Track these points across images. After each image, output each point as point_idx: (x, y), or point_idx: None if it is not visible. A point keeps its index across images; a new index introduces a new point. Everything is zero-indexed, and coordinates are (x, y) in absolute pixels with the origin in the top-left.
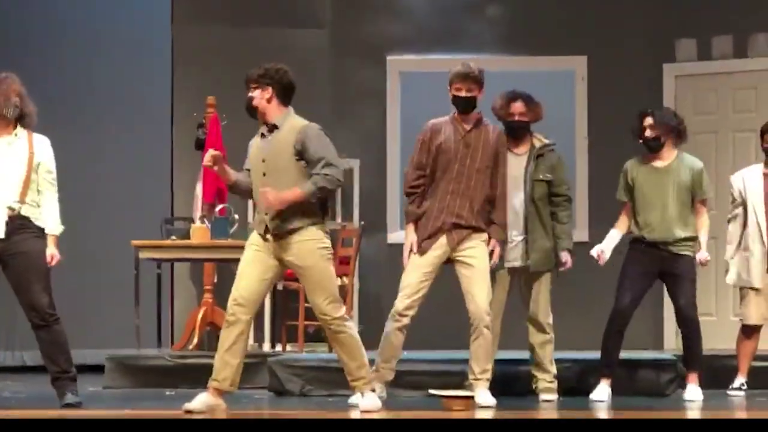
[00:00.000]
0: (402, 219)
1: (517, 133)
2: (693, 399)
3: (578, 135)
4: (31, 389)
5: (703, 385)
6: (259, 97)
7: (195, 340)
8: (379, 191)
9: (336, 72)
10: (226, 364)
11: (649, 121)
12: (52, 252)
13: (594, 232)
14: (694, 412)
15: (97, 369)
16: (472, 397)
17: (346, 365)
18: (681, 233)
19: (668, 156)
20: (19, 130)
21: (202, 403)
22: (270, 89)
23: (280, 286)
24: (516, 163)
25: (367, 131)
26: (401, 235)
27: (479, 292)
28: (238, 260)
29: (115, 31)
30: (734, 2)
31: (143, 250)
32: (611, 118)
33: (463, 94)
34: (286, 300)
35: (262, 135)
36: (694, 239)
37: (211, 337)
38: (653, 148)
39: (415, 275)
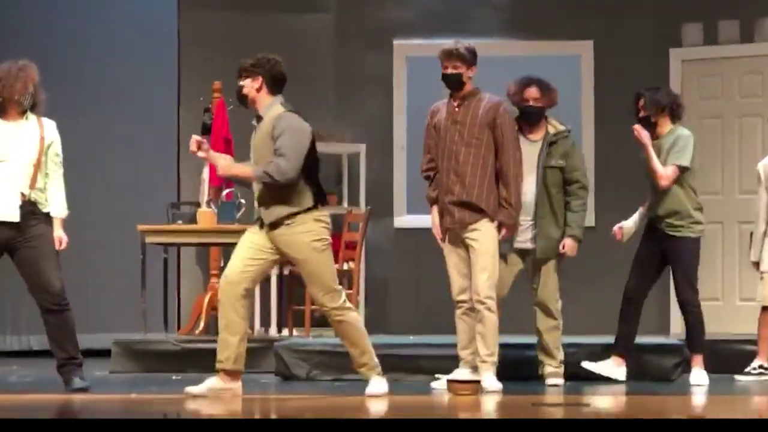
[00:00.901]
0: (408, 203)
1: (531, 118)
2: (698, 383)
3: (584, 120)
4: (37, 374)
5: (710, 369)
6: (249, 86)
7: (201, 325)
8: (386, 176)
9: (342, 57)
10: (226, 343)
11: (641, 101)
12: (59, 235)
13: (600, 217)
14: (698, 398)
15: (104, 354)
16: (478, 382)
17: (349, 351)
18: (666, 210)
19: (663, 133)
20: (29, 114)
21: (206, 387)
22: (260, 78)
23: (286, 271)
24: (530, 149)
25: (373, 116)
26: (408, 219)
27: (478, 275)
28: None
29: (121, 16)
30: None
31: (149, 235)
32: (617, 103)
33: (448, 71)
34: (293, 285)
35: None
36: (689, 219)
37: (217, 322)
38: (647, 128)
39: (450, 260)
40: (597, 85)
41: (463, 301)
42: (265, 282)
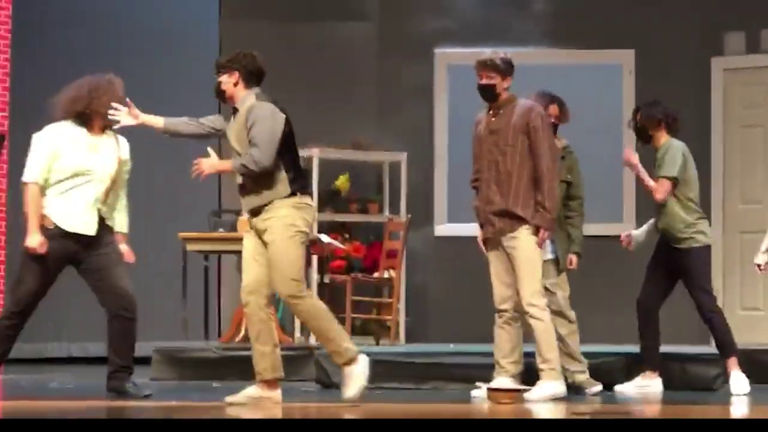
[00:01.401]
0: (449, 212)
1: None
2: (739, 389)
3: (626, 128)
4: (78, 380)
5: (752, 378)
6: (226, 81)
7: (242, 333)
8: (426, 184)
9: (383, 65)
10: (261, 354)
11: (638, 115)
12: (127, 250)
13: (640, 226)
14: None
15: (144, 361)
16: (519, 390)
17: (319, 339)
18: (665, 224)
19: (658, 146)
20: (108, 130)
21: (245, 396)
22: (236, 74)
23: (327, 279)
24: None
25: (414, 124)
26: (448, 227)
27: (521, 283)
28: None
29: (165, 25)
30: None
31: (190, 242)
32: None
33: (483, 81)
34: (333, 293)
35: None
36: (691, 229)
37: None
38: (644, 141)
39: (492, 269)
40: (638, 94)
41: (505, 311)
42: None
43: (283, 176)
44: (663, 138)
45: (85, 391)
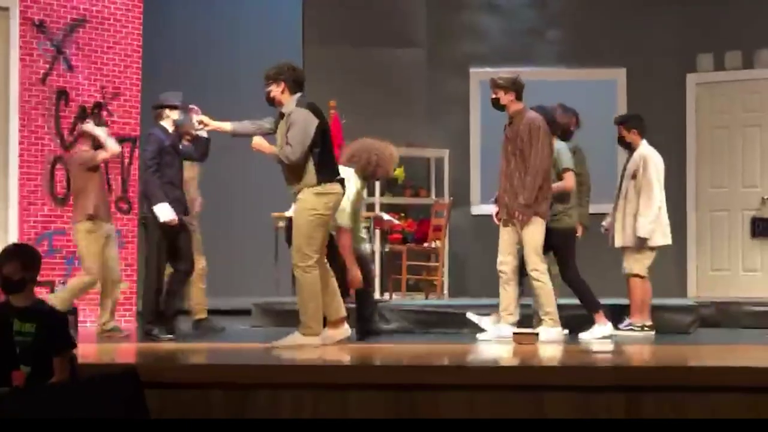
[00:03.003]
0: (482, 195)
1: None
2: (599, 335)
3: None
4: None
5: (723, 324)
6: (275, 89)
7: None
8: (465, 174)
9: (430, 81)
10: (325, 303)
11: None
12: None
13: None
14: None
15: (246, 312)
16: (536, 334)
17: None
18: None
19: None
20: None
21: (322, 337)
22: (283, 84)
23: (387, 249)
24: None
25: (454, 128)
26: (482, 208)
27: (525, 254)
28: None
29: (256, 52)
30: (743, 24)
31: (279, 220)
32: (646, 117)
33: (491, 96)
34: (392, 259)
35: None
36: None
37: None
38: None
39: (500, 241)
40: (629, 103)
41: (502, 272)
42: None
43: (311, 168)
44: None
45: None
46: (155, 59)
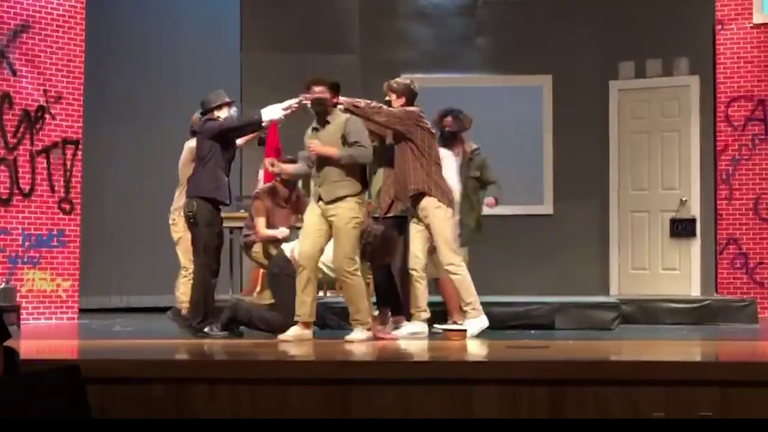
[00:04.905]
0: None
1: (447, 139)
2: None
3: (545, 134)
4: (136, 325)
5: (643, 321)
6: (329, 99)
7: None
8: None
9: (364, 86)
10: (303, 302)
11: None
12: None
13: (556, 208)
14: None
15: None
16: (465, 330)
17: (349, 307)
18: None
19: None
20: None
21: (292, 335)
22: (330, 93)
23: None
24: (454, 163)
25: None
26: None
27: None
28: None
29: (196, 58)
30: (663, 33)
31: (225, 220)
32: (570, 122)
33: (385, 99)
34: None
35: (316, 129)
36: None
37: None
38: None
39: (411, 236)
40: (555, 108)
41: (413, 269)
42: None
43: (359, 177)
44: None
45: (142, 334)
46: (98, 62)
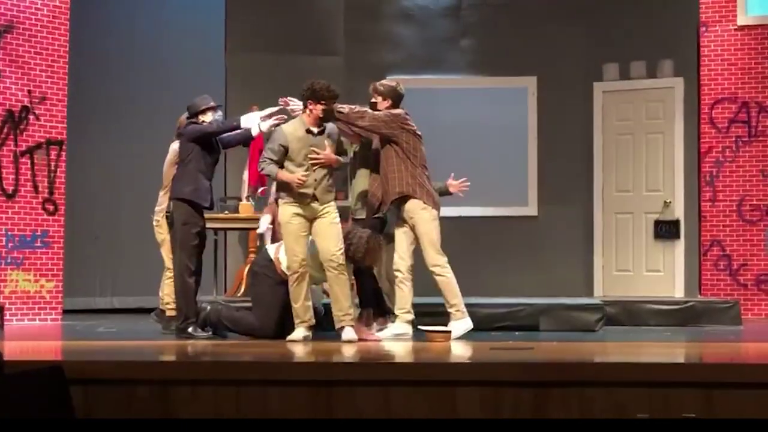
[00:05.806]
0: None
1: None
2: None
3: (530, 135)
4: (120, 326)
5: (627, 322)
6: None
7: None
8: None
9: (348, 88)
10: (306, 308)
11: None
12: None
13: (541, 209)
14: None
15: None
16: (449, 332)
17: (334, 303)
18: None
19: None
20: None
21: (301, 336)
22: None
23: None
24: None
25: None
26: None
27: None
28: None
29: (181, 59)
30: (647, 35)
31: (208, 221)
32: (555, 123)
33: (370, 100)
34: None
35: (311, 132)
36: None
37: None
38: None
39: (396, 238)
40: (539, 109)
41: (398, 271)
42: None
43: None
44: None
45: (128, 335)
46: (82, 63)
